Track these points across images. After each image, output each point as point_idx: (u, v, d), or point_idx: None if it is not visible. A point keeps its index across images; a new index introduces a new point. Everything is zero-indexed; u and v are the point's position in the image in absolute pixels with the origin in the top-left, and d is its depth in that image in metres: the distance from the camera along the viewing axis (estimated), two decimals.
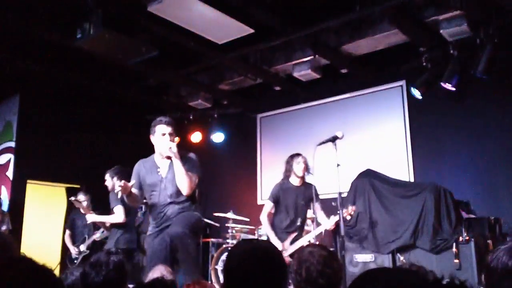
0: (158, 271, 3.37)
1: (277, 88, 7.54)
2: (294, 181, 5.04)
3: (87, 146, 7.85)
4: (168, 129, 4.04)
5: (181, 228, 3.82)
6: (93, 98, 7.71)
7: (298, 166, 4.92)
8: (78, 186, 7.69)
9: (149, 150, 4.26)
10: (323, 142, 4.07)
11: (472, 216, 5.19)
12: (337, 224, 4.64)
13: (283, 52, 6.75)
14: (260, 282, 1.62)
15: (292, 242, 4.86)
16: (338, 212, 3.81)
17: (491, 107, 5.98)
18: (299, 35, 6.05)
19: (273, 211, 5.08)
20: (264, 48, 6.56)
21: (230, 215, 6.79)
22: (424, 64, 6.11)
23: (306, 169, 4.94)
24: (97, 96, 7.67)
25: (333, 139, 3.99)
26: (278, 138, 8.06)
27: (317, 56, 6.44)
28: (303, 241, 4.81)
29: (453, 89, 5.84)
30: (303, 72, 6.73)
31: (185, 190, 3.91)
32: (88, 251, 6.32)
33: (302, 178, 5.04)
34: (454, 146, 6.08)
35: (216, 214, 7.09)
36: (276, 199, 5.04)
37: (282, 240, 4.87)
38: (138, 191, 4.08)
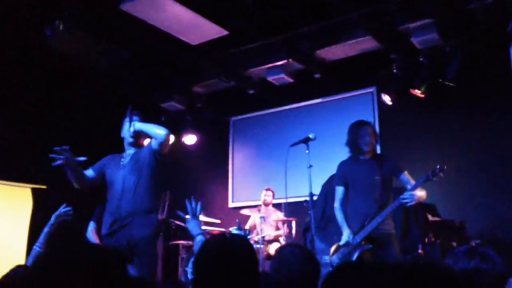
0: None
1: (251, 92, 7.57)
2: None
3: (55, 146, 7.69)
4: (134, 117, 3.98)
5: (144, 231, 3.69)
6: (61, 96, 7.57)
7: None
8: (45, 187, 7.54)
9: (121, 149, 4.20)
10: (296, 143, 4.13)
11: (438, 219, 5.31)
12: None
13: (257, 56, 6.79)
14: (229, 278, 1.58)
15: None
16: (309, 212, 3.87)
17: (459, 115, 6.15)
18: (275, 39, 6.10)
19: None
20: (239, 51, 6.59)
21: (200, 217, 6.74)
22: (395, 71, 6.24)
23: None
24: (65, 94, 7.54)
25: (306, 140, 4.05)
26: (251, 142, 8.09)
27: (291, 60, 6.51)
28: None
29: (423, 96, 5.98)
30: (277, 76, 6.80)
31: (160, 136, 3.76)
32: None
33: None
34: (422, 151, 6.21)
35: (187, 216, 7.03)
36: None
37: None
38: (92, 173, 3.99)
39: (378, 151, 5.19)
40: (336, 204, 4.22)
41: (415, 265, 0.75)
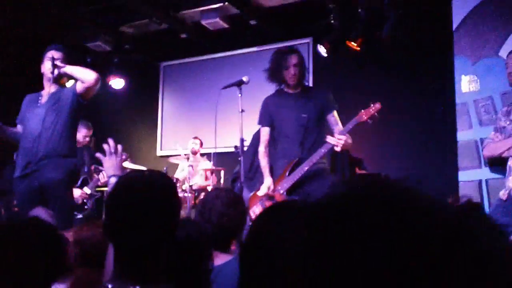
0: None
1: (183, 36, 7.22)
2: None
3: None
4: (57, 54, 3.64)
5: (57, 174, 3.49)
6: None
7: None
8: None
9: (38, 89, 3.90)
10: (228, 86, 3.88)
11: (364, 172, 5.39)
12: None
13: None
14: (144, 217, 1.39)
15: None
16: (240, 158, 3.72)
17: (392, 71, 6.16)
18: None
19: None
20: None
21: (126, 164, 6.48)
22: (332, 22, 6.13)
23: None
24: None
25: (239, 83, 3.79)
26: (182, 89, 7.80)
27: (226, 3, 6.22)
28: None
29: (358, 49, 5.93)
30: (211, 20, 6.51)
31: (88, 80, 3.56)
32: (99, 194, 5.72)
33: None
34: (352, 105, 6.20)
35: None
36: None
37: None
38: (19, 126, 3.71)
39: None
40: (261, 147, 3.90)
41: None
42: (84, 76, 3.60)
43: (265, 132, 3.92)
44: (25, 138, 3.64)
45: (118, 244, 1.42)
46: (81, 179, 5.79)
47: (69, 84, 3.88)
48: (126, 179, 1.54)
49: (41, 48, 6.55)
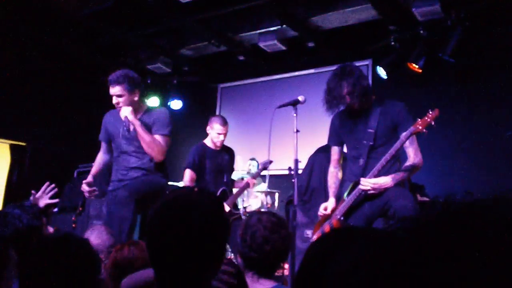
0: (96, 231, 3.12)
1: (241, 58, 7.27)
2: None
3: (36, 102, 7.39)
4: (113, 90, 3.72)
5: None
6: (43, 51, 7.21)
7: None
8: (24, 144, 7.30)
9: (104, 110, 4.03)
10: (283, 105, 3.76)
11: (426, 199, 5.13)
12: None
13: (249, 20, 6.48)
14: (188, 240, 1.25)
15: None
16: (293, 180, 3.59)
17: (455, 92, 5.91)
18: (267, 0, 5.79)
19: None
20: (230, 13, 6.26)
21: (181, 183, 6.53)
22: (393, 43, 5.98)
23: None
24: (47, 49, 7.19)
25: (294, 103, 3.68)
26: (238, 110, 7.82)
27: (284, 26, 6.20)
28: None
29: (420, 71, 5.73)
30: (269, 43, 6.51)
31: (155, 157, 3.83)
32: None
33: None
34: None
35: (170, 183, 6.82)
36: None
37: None
38: (106, 152, 4.12)
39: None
40: (331, 168, 3.65)
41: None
42: (148, 150, 3.79)
43: (334, 151, 3.66)
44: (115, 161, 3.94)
45: (156, 265, 1.30)
46: None
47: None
48: (170, 196, 1.40)
49: (102, 72, 6.80)
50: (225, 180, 4.93)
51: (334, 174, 3.63)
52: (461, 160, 5.78)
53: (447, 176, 5.78)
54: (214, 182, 4.82)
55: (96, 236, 2.96)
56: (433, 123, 3.14)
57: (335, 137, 3.64)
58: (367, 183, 3.17)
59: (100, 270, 1.69)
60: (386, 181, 3.17)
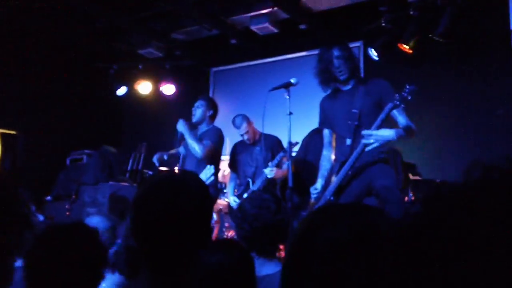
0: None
1: (233, 41, 7.26)
2: None
3: (27, 89, 7.36)
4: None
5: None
6: (35, 37, 7.17)
7: None
8: (15, 133, 7.27)
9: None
10: (276, 88, 3.80)
11: (419, 178, 5.21)
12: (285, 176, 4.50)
13: (241, 3, 6.47)
14: (172, 222, 1.28)
15: None
16: (288, 162, 3.63)
17: (446, 72, 5.96)
18: None
19: None
20: None
21: (176, 169, 6.56)
22: (384, 25, 5.98)
23: None
24: (39, 35, 7.14)
25: (287, 85, 3.73)
26: (231, 94, 7.83)
27: (276, 8, 6.20)
28: None
29: (410, 51, 5.76)
30: (261, 26, 6.51)
31: (197, 154, 4.59)
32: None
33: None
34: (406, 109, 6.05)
35: (161, 168, 6.85)
36: None
37: None
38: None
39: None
40: (324, 151, 3.68)
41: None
42: (193, 151, 4.68)
43: (325, 134, 3.72)
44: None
45: (142, 247, 1.33)
46: None
47: None
48: (155, 178, 1.45)
49: (93, 58, 6.77)
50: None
51: (327, 157, 3.67)
52: (453, 139, 5.85)
53: (438, 155, 5.86)
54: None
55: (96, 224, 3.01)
56: (409, 97, 3.17)
57: (325, 120, 3.70)
58: (372, 135, 3.18)
59: (106, 260, 1.72)
60: (390, 133, 3.23)
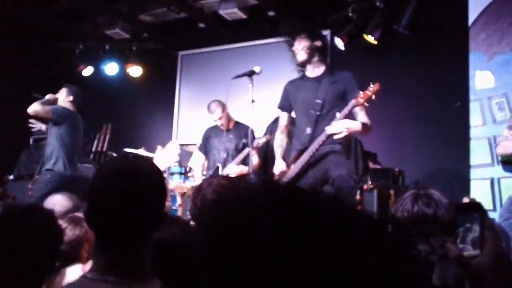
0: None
1: (201, 25, 7.24)
2: None
3: None
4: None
5: None
6: None
7: None
8: None
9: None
10: (239, 76, 3.84)
11: (378, 167, 5.35)
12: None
13: None
14: (123, 205, 1.32)
15: None
16: (249, 149, 3.69)
17: (409, 63, 6.11)
18: None
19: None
20: None
21: (141, 151, 6.54)
22: (351, 15, 6.07)
23: None
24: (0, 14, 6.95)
25: (250, 74, 3.76)
26: (199, 78, 7.81)
27: None
28: None
29: (375, 42, 5.88)
30: (230, 11, 6.52)
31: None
32: None
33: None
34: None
35: (127, 149, 6.83)
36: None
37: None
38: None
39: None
40: (277, 133, 3.77)
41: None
42: None
43: (283, 117, 3.78)
44: None
45: (99, 234, 1.36)
46: None
47: None
48: (110, 165, 1.48)
49: (56, 38, 6.63)
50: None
51: (280, 139, 3.74)
52: (413, 129, 6.02)
53: (398, 145, 6.02)
54: None
55: (57, 203, 3.01)
56: (373, 97, 3.29)
57: (286, 103, 3.75)
58: (340, 125, 3.26)
59: (62, 241, 1.75)
60: (356, 125, 3.34)
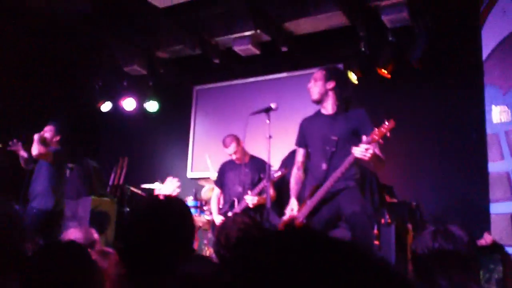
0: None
1: (216, 61, 7.38)
2: None
3: (9, 101, 7.33)
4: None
5: None
6: (18, 49, 7.18)
7: None
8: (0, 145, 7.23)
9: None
10: (256, 112, 3.92)
11: (395, 200, 5.33)
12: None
13: (224, 25, 6.61)
14: (159, 243, 1.42)
15: None
16: (266, 184, 3.73)
17: (422, 97, 6.14)
18: (241, 3, 5.93)
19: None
20: (205, 17, 6.38)
21: (156, 185, 6.60)
22: (363, 49, 6.16)
23: None
24: (23, 47, 7.17)
25: (267, 110, 3.85)
26: (213, 112, 7.93)
27: (258, 31, 6.35)
28: None
29: (389, 76, 5.94)
30: (243, 47, 6.65)
31: None
32: None
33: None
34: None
35: (143, 185, 6.90)
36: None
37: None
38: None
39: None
40: (293, 169, 3.77)
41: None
42: None
43: (299, 153, 3.79)
44: None
45: (130, 265, 1.44)
46: None
47: None
48: (145, 205, 1.57)
49: (78, 72, 6.80)
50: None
51: (297, 176, 3.75)
52: (429, 162, 6.00)
53: (415, 178, 6.00)
54: None
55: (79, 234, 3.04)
56: (388, 134, 3.25)
57: (302, 139, 3.79)
58: (363, 150, 3.21)
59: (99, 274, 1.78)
60: (376, 150, 3.32)
